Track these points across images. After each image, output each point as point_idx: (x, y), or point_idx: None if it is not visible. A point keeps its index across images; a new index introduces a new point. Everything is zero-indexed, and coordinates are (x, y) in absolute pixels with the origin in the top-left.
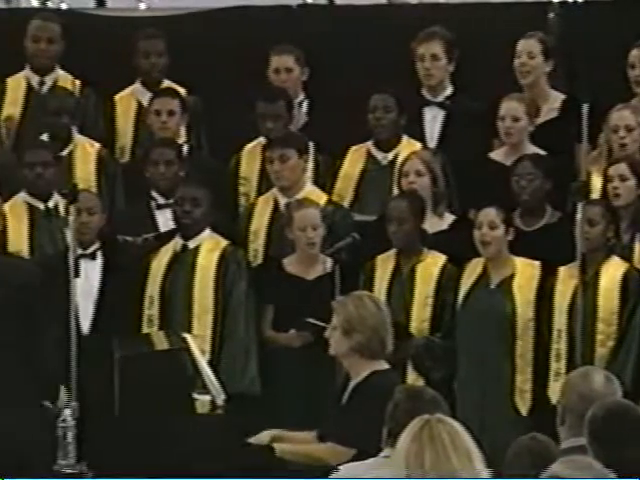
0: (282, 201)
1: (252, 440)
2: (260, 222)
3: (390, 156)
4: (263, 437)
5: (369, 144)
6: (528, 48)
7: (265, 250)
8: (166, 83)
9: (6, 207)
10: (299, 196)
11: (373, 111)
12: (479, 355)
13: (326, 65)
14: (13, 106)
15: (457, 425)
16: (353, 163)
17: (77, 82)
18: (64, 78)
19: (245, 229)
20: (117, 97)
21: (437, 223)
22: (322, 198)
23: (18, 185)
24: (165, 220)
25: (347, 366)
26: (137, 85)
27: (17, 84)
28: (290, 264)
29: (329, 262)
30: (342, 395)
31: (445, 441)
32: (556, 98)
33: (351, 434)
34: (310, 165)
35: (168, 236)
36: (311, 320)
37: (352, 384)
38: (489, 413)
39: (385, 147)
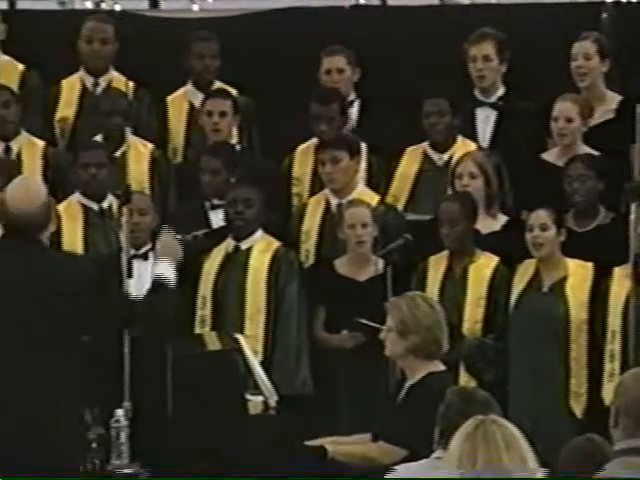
0: (334, 202)
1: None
2: (312, 223)
3: (446, 157)
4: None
5: (425, 145)
6: (584, 50)
7: (317, 251)
8: (218, 84)
9: (61, 208)
10: (351, 197)
11: (427, 116)
12: (532, 357)
13: (378, 66)
14: (68, 107)
15: (511, 426)
16: (409, 164)
17: (131, 83)
18: (118, 79)
19: (297, 230)
20: (169, 98)
21: (490, 224)
22: (374, 199)
23: (72, 186)
24: (218, 221)
25: (403, 367)
26: (189, 86)
27: (72, 86)
28: (342, 265)
29: (381, 263)
30: (397, 395)
31: (499, 442)
32: (612, 99)
33: (405, 435)
34: (363, 166)
35: (218, 234)
36: (363, 321)
37: (407, 385)
38: (542, 415)
39: (441, 148)
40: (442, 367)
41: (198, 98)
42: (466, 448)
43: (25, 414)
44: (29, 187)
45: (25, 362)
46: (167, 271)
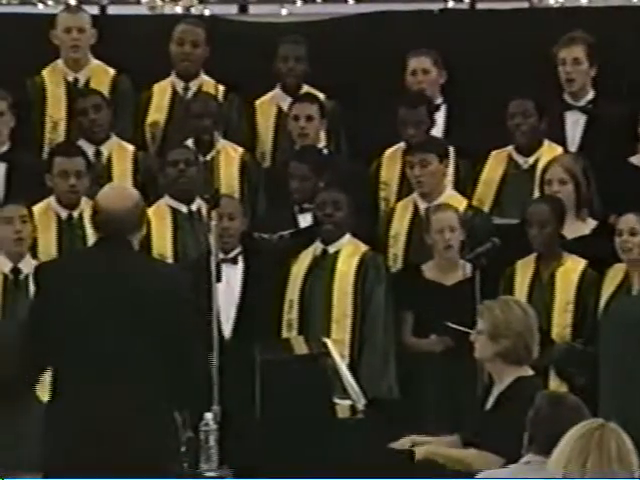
0: (422, 206)
1: (393, 445)
2: (400, 227)
3: (531, 160)
4: (404, 442)
5: (510, 148)
6: None
7: (405, 255)
8: (306, 88)
9: (150, 211)
10: (439, 201)
11: (512, 117)
12: (622, 360)
13: (467, 69)
14: (158, 112)
15: (628, 440)
16: (494, 167)
17: (220, 87)
18: (208, 83)
19: (385, 234)
20: (258, 102)
21: (580, 228)
22: (462, 203)
23: (162, 190)
24: (307, 224)
25: (491, 371)
26: (277, 90)
27: (162, 90)
28: (429, 270)
29: (468, 267)
30: (485, 400)
31: (612, 451)
32: None
33: (498, 441)
34: (450, 170)
35: (303, 234)
36: (452, 324)
37: (496, 390)
38: (633, 418)
39: (526, 151)
40: (531, 372)
41: (286, 102)
42: (577, 449)
43: (113, 414)
44: (122, 189)
45: (110, 361)
46: None
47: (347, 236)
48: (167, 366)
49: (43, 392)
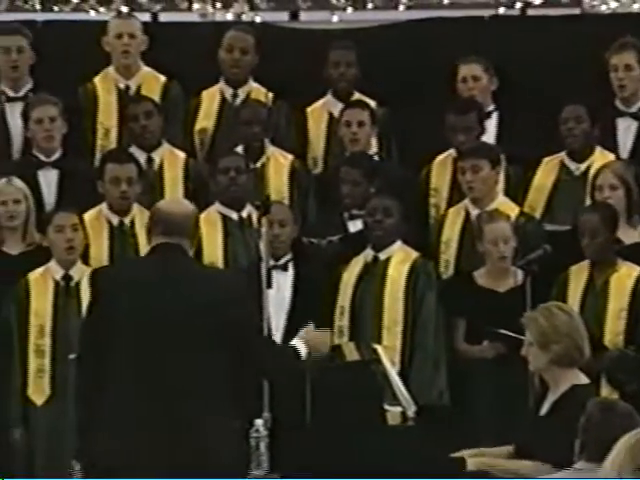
0: (473, 212)
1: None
2: (451, 233)
3: (583, 167)
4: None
5: (562, 155)
6: None
7: (456, 261)
8: (357, 95)
9: (201, 218)
10: (490, 207)
11: (565, 122)
12: None
13: (518, 76)
14: (207, 119)
15: None
16: (546, 174)
17: (270, 94)
18: (257, 90)
19: (436, 240)
20: (309, 109)
21: (631, 234)
22: (514, 210)
23: (212, 197)
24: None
25: (547, 379)
26: (329, 97)
27: (211, 97)
28: (481, 277)
29: (520, 274)
30: (539, 407)
31: None
32: None
33: (552, 448)
34: (501, 176)
35: (353, 239)
36: (503, 331)
37: (552, 397)
38: None
39: (578, 158)
40: (586, 380)
41: (337, 108)
42: (630, 456)
43: (173, 419)
44: (179, 198)
45: (166, 367)
46: (301, 348)
47: (398, 243)
48: (221, 369)
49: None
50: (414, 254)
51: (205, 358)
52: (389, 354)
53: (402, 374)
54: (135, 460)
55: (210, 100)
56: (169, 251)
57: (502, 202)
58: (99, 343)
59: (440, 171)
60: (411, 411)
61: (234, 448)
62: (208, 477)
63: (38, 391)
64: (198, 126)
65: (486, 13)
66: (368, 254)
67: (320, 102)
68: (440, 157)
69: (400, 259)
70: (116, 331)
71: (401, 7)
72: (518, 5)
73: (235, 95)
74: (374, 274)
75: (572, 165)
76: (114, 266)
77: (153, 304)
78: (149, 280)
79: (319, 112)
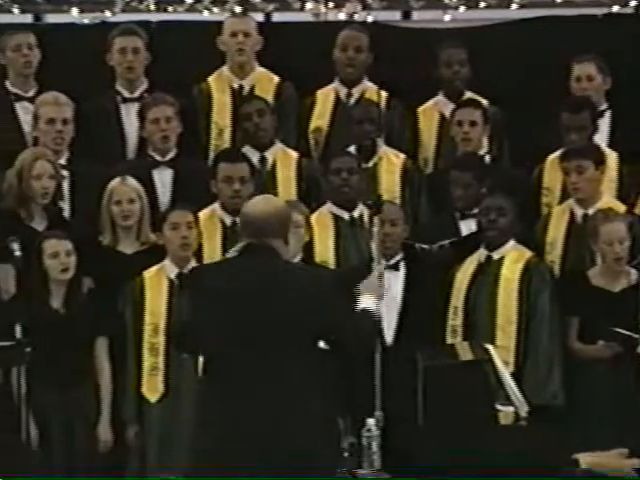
0: (579, 212)
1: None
2: (557, 233)
3: None
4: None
5: None
6: None
7: (562, 262)
8: (468, 94)
9: (312, 218)
10: (596, 207)
11: None
12: None
13: (633, 75)
14: (321, 118)
15: None
16: None
17: (383, 94)
18: (371, 90)
19: (541, 240)
20: (420, 109)
21: None
22: (620, 209)
23: (324, 197)
24: (469, 230)
25: None
26: (440, 97)
27: (326, 96)
28: (595, 276)
29: (634, 274)
30: None
31: None
32: None
33: None
34: (614, 176)
35: (464, 243)
36: (619, 330)
37: None
38: None
39: None
40: None
41: (449, 108)
42: None
43: (267, 417)
44: (267, 197)
45: (259, 368)
46: (371, 305)
47: (511, 242)
48: (320, 368)
49: None
50: (528, 253)
51: (296, 356)
52: (503, 354)
53: (516, 374)
54: (230, 459)
55: (324, 100)
56: (256, 251)
57: (608, 201)
58: (198, 342)
59: (552, 170)
60: (523, 411)
61: (329, 446)
62: (302, 476)
63: (152, 389)
64: (312, 126)
65: (599, 11)
66: (481, 254)
67: (431, 102)
68: (552, 156)
69: (514, 258)
70: (211, 331)
71: (513, 6)
72: (632, 3)
73: (349, 94)
74: (488, 274)
75: None
76: (206, 267)
77: (243, 305)
78: (238, 282)
79: (430, 112)
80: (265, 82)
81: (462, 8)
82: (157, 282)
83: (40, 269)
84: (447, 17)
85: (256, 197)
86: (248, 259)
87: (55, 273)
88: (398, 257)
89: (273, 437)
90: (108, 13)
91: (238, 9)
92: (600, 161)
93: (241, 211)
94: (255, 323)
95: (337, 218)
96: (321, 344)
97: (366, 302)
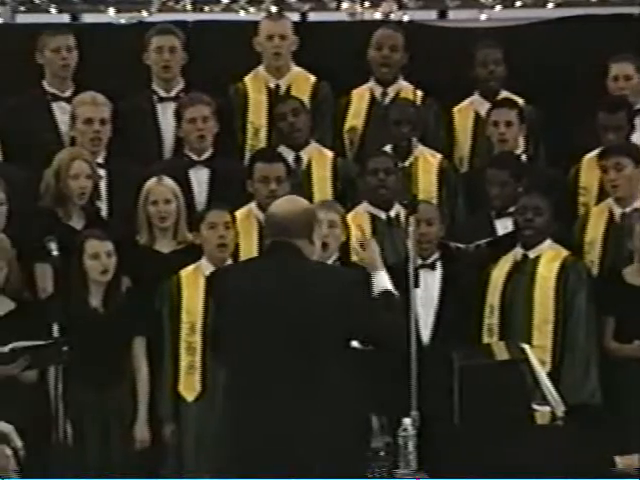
0: (617, 211)
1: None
2: (595, 233)
3: None
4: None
5: None
6: None
7: (601, 261)
8: (504, 94)
9: (349, 217)
10: (634, 206)
11: None
12: None
13: None
14: (357, 118)
15: None
16: None
17: (419, 93)
18: (406, 89)
19: (580, 240)
20: (455, 109)
21: None
22: None
23: (361, 196)
24: (504, 229)
25: None
26: (475, 96)
27: (361, 96)
28: (631, 275)
29: None
30: None
31: None
32: None
33: None
34: None
35: (500, 242)
36: None
37: None
38: None
39: None
40: None
41: (484, 107)
42: None
43: (294, 418)
44: (292, 197)
45: (288, 369)
46: (387, 283)
47: (548, 241)
48: (350, 368)
49: None
50: (564, 252)
51: (322, 355)
52: (540, 353)
53: (553, 373)
54: (255, 460)
55: (360, 99)
56: (281, 251)
57: None
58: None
59: (589, 170)
60: (560, 411)
61: (358, 446)
62: (327, 477)
63: (189, 387)
64: (348, 125)
65: (636, 10)
66: (518, 252)
67: (467, 101)
68: (589, 156)
69: (550, 257)
70: (236, 330)
71: (550, 5)
72: None
73: (385, 94)
74: (524, 272)
75: None
76: (231, 267)
77: (267, 305)
78: (262, 282)
79: (466, 111)
80: (302, 82)
81: (498, 7)
82: (194, 281)
83: (80, 269)
84: (483, 16)
85: (281, 199)
86: (273, 259)
87: (95, 274)
88: (434, 257)
89: (301, 437)
90: (145, 13)
91: (274, 9)
92: (639, 160)
93: (266, 211)
94: (279, 323)
95: (374, 217)
96: (354, 343)
97: (379, 280)
